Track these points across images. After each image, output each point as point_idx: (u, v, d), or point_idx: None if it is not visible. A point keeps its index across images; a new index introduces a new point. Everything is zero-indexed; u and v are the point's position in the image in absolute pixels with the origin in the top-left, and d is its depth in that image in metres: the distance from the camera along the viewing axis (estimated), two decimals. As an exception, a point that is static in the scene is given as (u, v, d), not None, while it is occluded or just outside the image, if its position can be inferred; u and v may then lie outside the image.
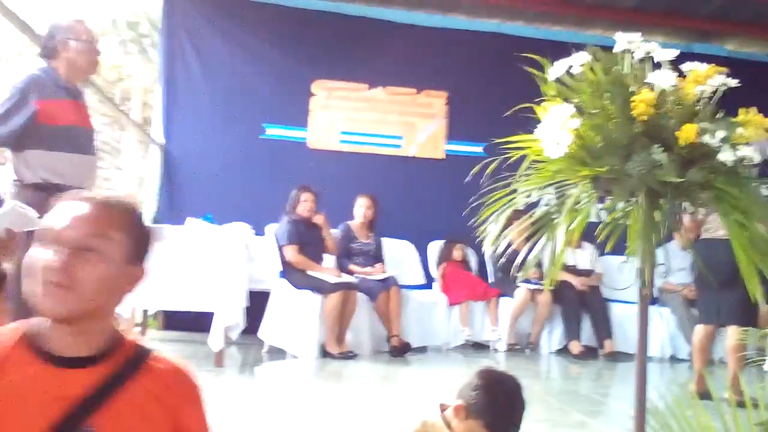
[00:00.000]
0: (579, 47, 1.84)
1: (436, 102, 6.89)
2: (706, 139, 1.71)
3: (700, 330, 4.49)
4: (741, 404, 1.49)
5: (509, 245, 1.91)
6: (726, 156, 1.70)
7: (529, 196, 1.89)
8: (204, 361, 4.55)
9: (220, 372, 4.44)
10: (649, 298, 1.86)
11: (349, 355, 5.13)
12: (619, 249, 1.88)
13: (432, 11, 6.97)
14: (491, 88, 6.43)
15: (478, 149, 6.31)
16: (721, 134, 1.72)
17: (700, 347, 4.43)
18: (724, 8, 6.66)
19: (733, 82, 1.78)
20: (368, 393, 4.26)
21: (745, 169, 1.77)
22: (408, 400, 3.97)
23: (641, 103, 1.70)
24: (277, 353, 5.20)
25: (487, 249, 1.91)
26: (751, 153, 1.76)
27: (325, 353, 5.16)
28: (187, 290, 4.42)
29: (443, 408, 1.93)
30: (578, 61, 1.82)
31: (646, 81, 1.79)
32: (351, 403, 3.88)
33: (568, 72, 1.83)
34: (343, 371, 4.81)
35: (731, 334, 4.26)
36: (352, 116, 6.74)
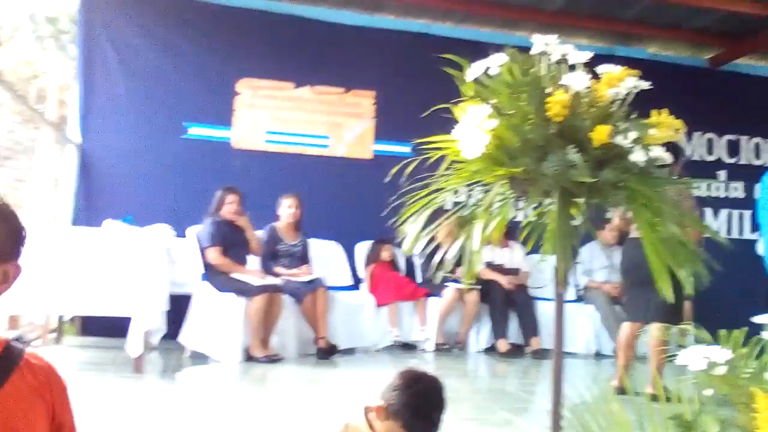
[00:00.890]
0: (500, 48, 1.85)
1: (364, 102, 6.88)
2: (619, 140, 1.73)
3: (626, 327, 4.58)
4: (658, 398, 1.52)
5: (436, 245, 1.90)
6: (638, 157, 1.73)
7: (456, 193, 1.89)
8: (122, 368, 4.42)
9: (139, 378, 4.31)
10: (564, 296, 1.88)
11: (274, 359, 5.05)
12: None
13: (359, 10, 6.95)
14: (419, 89, 6.41)
15: (407, 149, 6.32)
16: (633, 135, 1.75)
17: (625, 344, 4.51)
18: (645, 12, 6.86)
19: (645, 85, 1.82)
20: (293, 397, 4.20)
21: (657, 169, 1.81)
22: (334, 403, 3.93)
23: (556, 104, 1.71)
24: (199, 358, 5.08)
25: (407, 249, 1.90)
26: (662, 153, 1.80)
27: (249, 357, 5.07)
28: (105, 294, 4.28)
29: (368, 410, 1.91)
30: (496, 62, 1.82)
31: (561, 83, 1.80)
32: (275, 407, 3.82)
33: (486, 73, 1.83)
34: (268, 375, 4.74)
35: (653, 331, 4.37)
36: (278, 115, 6.66)
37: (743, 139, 7.77)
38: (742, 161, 7.73)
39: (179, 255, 5.19)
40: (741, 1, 6.39)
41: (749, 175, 7.23)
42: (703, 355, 1.34)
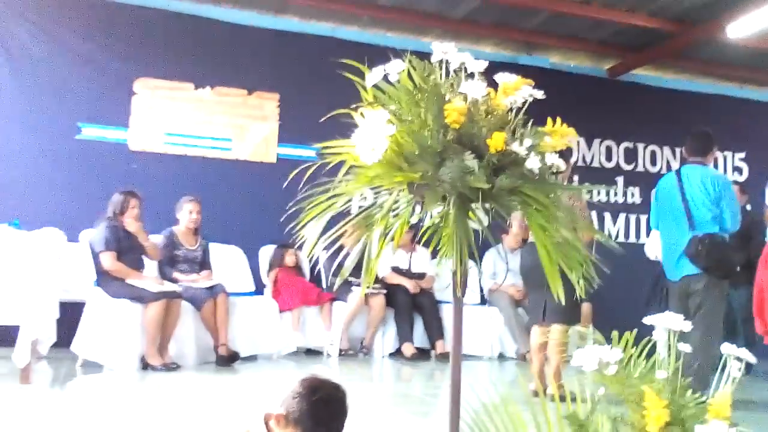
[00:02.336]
0: (405, 54, 1.86)
1: (267, 104, 6.79)
2: (515, 147, 1.77)
3: (535, 331, 4.66)
4: (560, 398, 1.55)
5: (338, 250, 1.89)
6: (533, 163, 1.78)
7: (364, 198, 1.88)
8: (9, 378, 4.18)
9: (27, 389, 4.09)
10: (462, 299, 1.90)
11: (171, 367, 4.91)
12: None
13: (263, 12, 6.86)
14: (324, 92, 6.34)
15: (311, 153, 6.27)
16: (528, 143, 1.79)
17: (537, 348, 4.57)
18: (547, 23, 7.07)
19: (540, 94, 1.86)
20: (192, 405, 4.08)
21: (551, 176, 1.86)
22: (234, 411, 3.84)
23: (454, 111, 1.73)
24: (92, 367, 4.88)
25: (307, 253, 1.88)
26: (557, 161, 1.85)
27: (145, 365, 4.91)
28: (-10, 302, 4.04)
29: (267, 417, 1.87)
30: (395, 68, 1.83)
31: (459, 90, 1.83)
32: (173, 417, 3.70)
33: (386, 79, 1.83)
34: (166, 384, 4.58)
35: (552, 332, 4.49)
36: (177, 117, 6.47)
37: (640, 146, 8.14)
38: (639, 168, 8.09)
39: (71, 260, 4.95)
40: (638, 15, 6.72)
41: (646, 181, 7.59)
42: (595, 356, 1.38)
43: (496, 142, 1.72)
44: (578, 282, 1.79)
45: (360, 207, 1.89)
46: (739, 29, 6.36)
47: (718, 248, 4.34)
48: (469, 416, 1.65)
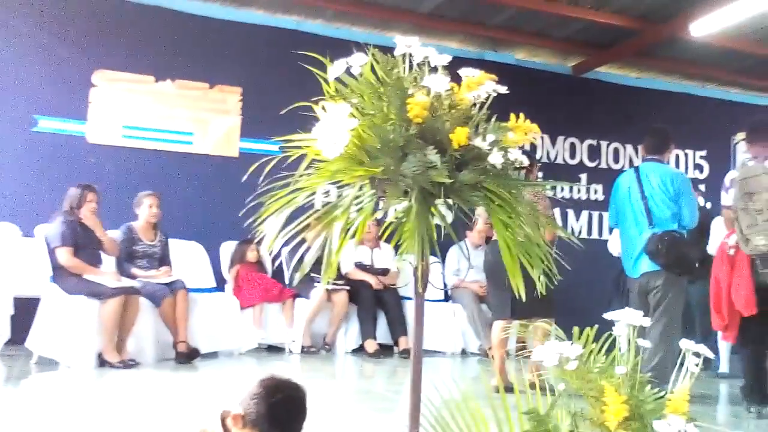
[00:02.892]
0: (363, 48, 1.83)
1: (230, 98, 6.70)
2: (478, 142, 1.76)
3: (496, 326, 4.68)
4: (509, 391, 1.55)
5: (299, 245, 1.86)
6: (495, 159, 1.76)
7: (327, 194, 1.85)
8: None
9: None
10: (424, 295, 1.88)
11: (129, 364, 4.83)
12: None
13: (227, 4, 6.76)
14: (287, 86, 6.29)
15: (274, 147, 6.18)
16: (491, 138, 1.78)
17: (498, 343, 4.58)
18: (513, 19, 7.10)
19: (503, 89, 1.85)
20: (149, 403, 4.00)
21: (514, 171, 1.85)
22: (193, 409, 3.78)
23: (416, 105, 1.71)
24: (48, 364, 4.76)
25: (267, 248, 1.85)
26: (519, 156, 1.84)
27: (102, 362, 4.82)
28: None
29: (224, 415, 1.84)
30: (357, 61, 1.80)
31: (422, 84, 1.81)
32: (130, 415, 3.62)
33: (349, 72, 1.81)
34: (123, 381, 4.50)
35: (538, 326, 4.48)
36: (137, 110, 6.35)
37: (603, 143, 8.23)
38: (602, 165, 8.18)
39: (26, 256, 4.83)
40: (603, 13, 6.79)
41: (609, 178, 7.65)
42: (555, 351, 1.37)
43: (459, 136, 1.70)
44: (539, 278, 1.79)
45: (324, 202, 1.86)
46: (703, 28, 6.47)
47: (677, 245, 4.40)
48: (431, 412, 1.64)
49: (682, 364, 1.40)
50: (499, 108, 1.84)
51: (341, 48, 2.00)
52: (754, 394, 4.15)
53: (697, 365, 1.37)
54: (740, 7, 6.02)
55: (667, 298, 4.42)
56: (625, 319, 1.45)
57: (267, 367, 5.27)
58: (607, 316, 1.48)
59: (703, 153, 8.66)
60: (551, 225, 4.94)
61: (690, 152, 8.60)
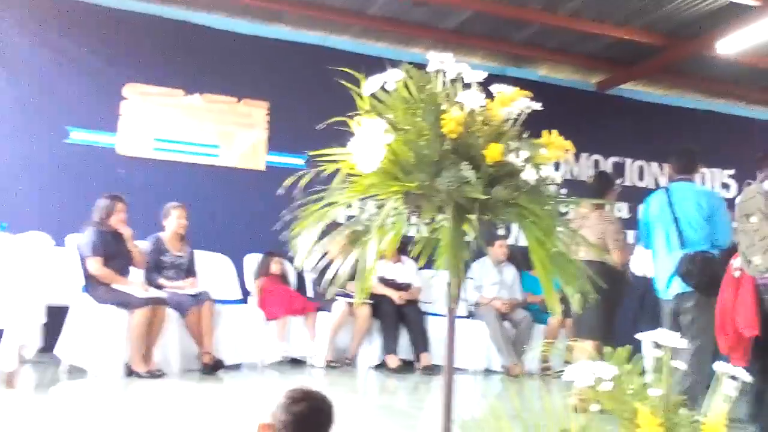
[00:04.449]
0: (395, 64, 1.85)
1: (256, 111, 6.77)
2: (511, 158, 1.76)
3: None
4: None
5: (329, 260, 1.87)
6: (529, 175, 1.77)
7: (349, 207, 1.87)
8: (-7, 383, 4.12)
9: (11, 394, 4.05)
10: (456, 312, 1.89)
11: (156, 374, 4.86)
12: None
13: (255, 20, 6.85)
14: (314, 100, 6.37)
15: (300, 161, 6.24)
16: (524, 154, 1.78)
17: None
18: (536, 36, 7.11)
19: (537, 105, 1.86)
20: (177, 413, 4.03)
21: (547, 188, 1.86)
22: (218, 420, 3.80)
23: (451, 121, 1.72)
24: (77, 372, 4.81)
25: (299, 263, 1.87)
26: (552, 173, 1.85)
27: (130, 372, 4.86)
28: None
29: (261, 428, 1.87)
30: (392, 77, 1.82)
31: (456, 100, 1.82)
32: (157, 424, 3.65)
33: (383, 88, 1.83)
34: (150, 391, 4.53)
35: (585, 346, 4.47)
36: (166, 123, 6.44)
37: (628, 161, 8.19)
38: (627, 183, 8.11)
39: (58, 265, 4.90)
40: (628, 29, 6.75)
41: (634, 196, 7.60)
42: (589, 371, 1.36)
43: (493, 152, 1.71)
44: (573, 297, 1.78)
45: (349, 217, 1.87)
46: (729, 45, 6.41)
47: (709, 266, 4.35)
48: (459, 429, 1.64)
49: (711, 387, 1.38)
50: (524, 124, 1.85)
51: (365, 63, 2.02)
52: (758, 420, 4.05)
53: (735, 388, 1.35)
54: (767, 25, 5.98)
55: (700, 319, 4.35)
56: (659, 340, 1.43)
57: (290, 380, 5.28)
58: (640, 336, 1.47)
59: (731, 172, 8.57)
60: (620, 249, 4.96)
61: (717, 171, 8.52)
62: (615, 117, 7.93)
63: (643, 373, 1.43)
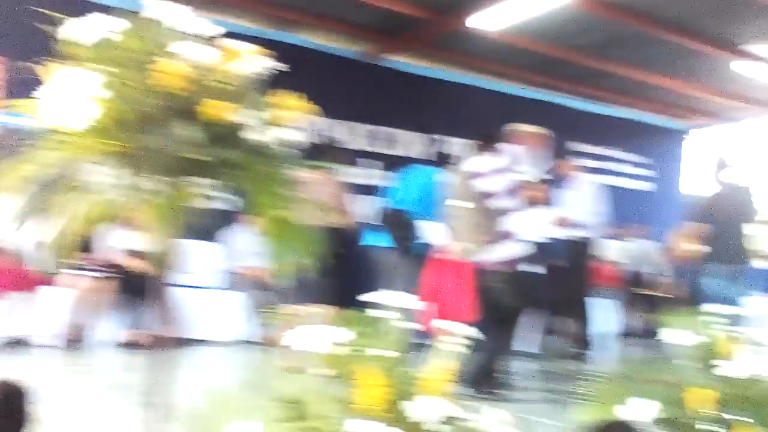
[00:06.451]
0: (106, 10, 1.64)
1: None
2: (241, 117, 1.65)
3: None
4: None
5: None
6: (260, 136, 1.67)
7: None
8: None
9: None
10: (169, 279, 1.76)
11: None
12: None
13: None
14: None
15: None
16: (256, 114, 1.68)
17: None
18: (304, 0, 6.98)
19: (279, 65, 1.75)
20: None
21: (284, 150, 1.77)
22: None
23: (173, 75, 1.56)
24: None
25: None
26: (289, 134, 1.76)
27: None
28: None
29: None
30: (104, 23, 1.61)
31: (180, 53, 1.66)
32: None
33: (94, 34, 1.61)
34: None
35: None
36: None
37: (384, 129, 8.30)
38: (381, 150, 8.26)
39: None
40: (395, 1, 6.79)
41: (387, 163, 7.84)
42: (308, 335, 1.34)
43: (218, 110, 1.58)
44: (307, 261, 1.73)
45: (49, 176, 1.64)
46: (481, 21, 6.80)
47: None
48: (189, 403, 1.54)
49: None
50: (279, 88, 1.75)
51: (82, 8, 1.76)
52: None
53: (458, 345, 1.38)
54: (521, 5, 6.43)
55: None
56: (386, 301, 1.43)
57: (13, 364, 4.76)
58: (363, 297, 1.46)
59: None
60: (339, 212, 5.05)
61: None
62: (379, 86, 8.05)
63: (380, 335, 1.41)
